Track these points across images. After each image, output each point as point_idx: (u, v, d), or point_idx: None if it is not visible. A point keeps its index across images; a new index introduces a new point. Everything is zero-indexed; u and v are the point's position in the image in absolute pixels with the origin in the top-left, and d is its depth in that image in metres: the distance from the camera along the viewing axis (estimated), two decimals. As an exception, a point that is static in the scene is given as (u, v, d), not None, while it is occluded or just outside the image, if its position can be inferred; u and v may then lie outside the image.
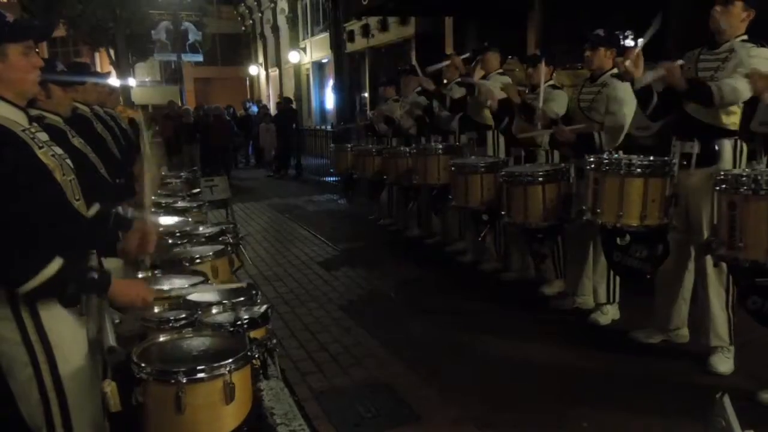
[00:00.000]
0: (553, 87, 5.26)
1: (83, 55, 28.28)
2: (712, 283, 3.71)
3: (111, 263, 2.80)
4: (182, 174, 6.43)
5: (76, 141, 3.09)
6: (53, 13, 20.36)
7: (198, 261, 3.01)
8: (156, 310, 2.51)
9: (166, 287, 2.70)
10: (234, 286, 2.88)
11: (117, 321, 2.27)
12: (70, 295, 2.06)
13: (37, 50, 2.19)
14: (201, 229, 3.73)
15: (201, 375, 1.92)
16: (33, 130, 2.12)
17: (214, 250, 3.19)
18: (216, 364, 1.94)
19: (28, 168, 2.02)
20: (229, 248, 3.27)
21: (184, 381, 1.89)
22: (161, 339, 2.19)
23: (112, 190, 3.44)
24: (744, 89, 3.39)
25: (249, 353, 2.05)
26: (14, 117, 2.06)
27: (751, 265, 3.13)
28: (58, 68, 3.24)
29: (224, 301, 2.55)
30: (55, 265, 1.96)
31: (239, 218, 9.37)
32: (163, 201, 4.68)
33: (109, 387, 1.97)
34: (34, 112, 2.89)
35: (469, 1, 9.61)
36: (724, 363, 3.75)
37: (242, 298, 2.61)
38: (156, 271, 2.90)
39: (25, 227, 1.96)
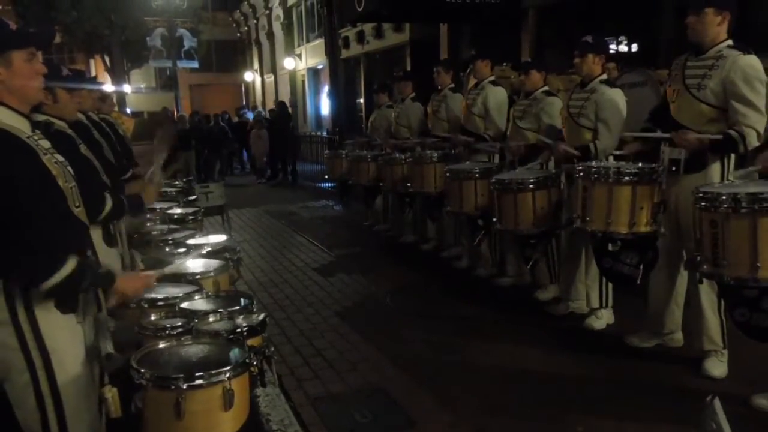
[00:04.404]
0: (547, 93, 5.30)
1: (78, 61, 28.25)
2: (704, 287, 3.72)
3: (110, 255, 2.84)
4: (177, 182, 6.43)
5: (82, 148, 3.11)
6: (48, 20, 20.36)
7: (199, 277, 3.01)
8: (152, 318, 2.52)
9: (160, 296, 2.71)
10: (230, 293, 2.89)
11: (111, 329, 2.27)
12: (83, 290, 2.17)
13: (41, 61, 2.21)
14: (199, 239, 3.72)
15: (200, 381, 1.93)
16: (36, 137, 2.15)
17: (217, 265, 3.18)
18: (215, 371, 1.96)
19: (36, 173, 2.06)
20: (231, 264, 3.27)
21: (184, 387, 1.91)
22: (160, 346, 2.20)
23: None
24: (760, 122, 3.47)
25: (248, 360, 2.06)
26: (18, 124, 2.09)
27: (735, 282, 3.13)
28: (63, 72, 3.26)
29: (220, 310, 2.56)
30: (72, 263, 2.03)
31: (235, 225, 9.37)
32: (159, 207, 4.69)
33: (111, 393, 1.98)
34: (41, 117, 2.94)
35: (463, 8, 9.65)
36: (718, 367, 3.77)
37: (237, 307, 2.62)
38: None
39: (40, 228, 2.02)
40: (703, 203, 3.19)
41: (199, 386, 1.93)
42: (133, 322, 2.51)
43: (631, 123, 4.40)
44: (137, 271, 2.45)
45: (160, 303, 2.66)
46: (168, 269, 2.65)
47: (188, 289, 2.81)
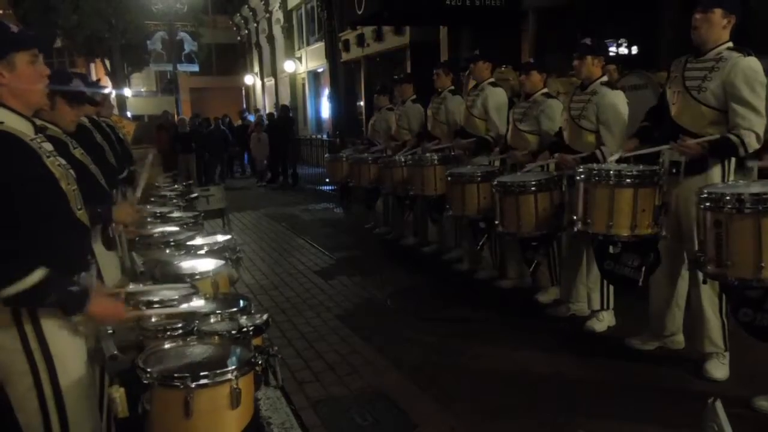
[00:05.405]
0: (547, 96, 5.29)
1: (79, 65, 28.32)
2: (705, 289, 3.72)
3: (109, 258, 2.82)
4: (176, 186, 6.43)
5: (77, 152, 3.11)
6: (48, 24, 20.41)
7: (198, 278, 3.01)
8: (153, 320, 2.51)
9: (158, 299, 2.70)
10: (228, 295, 2.89)
11: (110, 331, 2.27)
12: (47, 305, 2.03)
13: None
14: (199, 240, 3.72)
15: (208, 380, 1.94)
16: (39, 140, 2.16)
17: (216, 265, 3.17)
18: (223, 370, 1.97)
19: (36, 176, 2.05)
20: (230, 263, 3.27)
21: (192, 386, 1.91)
22: (165, 346, 2.20)
23: (111, 201, 3.46)
24: (759, 124, 3.48)
25: (254, 359, 2.07)
26: (22, 127, 2.10)
27: (739, 283, 3.13)
28: (72, 84, 3.26)
29: (218, 311, 2.56)
30: (38, 274, 1.93)
31: (235, 228, 9.38)
32: (159, 210, 4.68)
33: (118, 393, 1.98)
34: (37, 122, 2.94)
35: (463, 11, 9.67)
36: (719, 369, 3.77)
37: (235, 309, 2.61)
38: (148, 282, 2.90)
39: (16, 234, 1.97)
40: (707, 203, 3.20)
41: (207, 385, 1.94)
42: (133, 324, 2.50)
43: (632, 126, 4.39)
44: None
45: (157, 306, 2.65)
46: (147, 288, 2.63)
47: (186, 291, 2.80)
